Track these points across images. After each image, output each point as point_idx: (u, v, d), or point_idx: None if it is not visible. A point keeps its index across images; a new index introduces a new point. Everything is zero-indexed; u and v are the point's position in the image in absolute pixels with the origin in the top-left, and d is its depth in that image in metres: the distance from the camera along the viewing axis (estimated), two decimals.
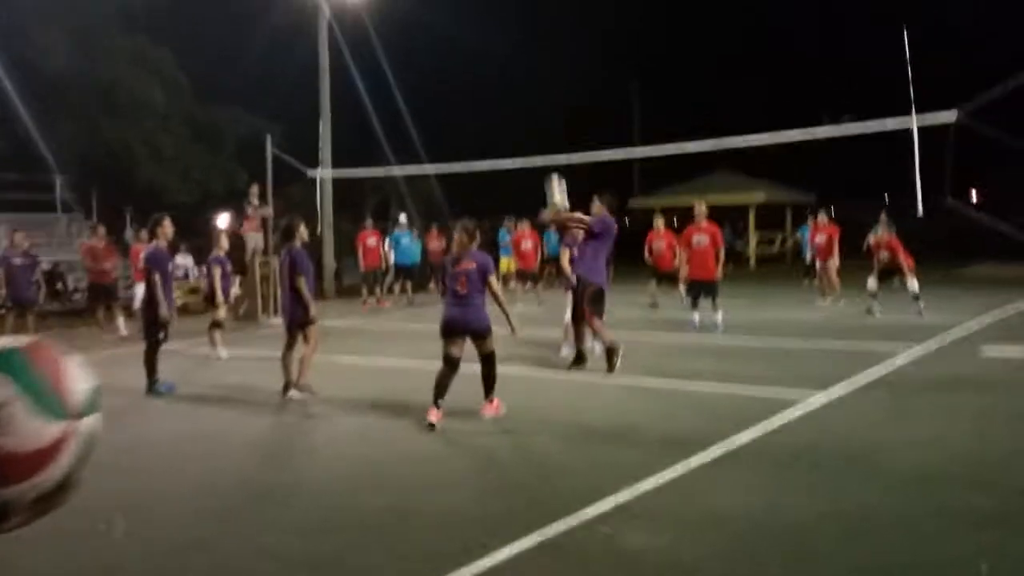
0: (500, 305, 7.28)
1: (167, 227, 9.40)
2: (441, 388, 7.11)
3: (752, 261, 29.53)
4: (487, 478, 5.79)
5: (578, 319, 9.48)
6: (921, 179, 10.42)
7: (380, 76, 27.28)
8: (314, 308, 8.53)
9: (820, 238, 16.18)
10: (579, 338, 9.58)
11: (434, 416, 6.98)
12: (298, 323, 8.45)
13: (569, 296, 9.96)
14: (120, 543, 4.76)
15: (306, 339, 8.45)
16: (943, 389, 8.23)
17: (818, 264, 16.29)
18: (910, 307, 13.44)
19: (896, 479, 5.50)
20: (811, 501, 5.12)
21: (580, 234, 9.59)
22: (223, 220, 17.02)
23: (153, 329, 9.02)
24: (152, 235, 9.41)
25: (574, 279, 9.59)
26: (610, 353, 9.10)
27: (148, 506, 5.39)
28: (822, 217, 16.61)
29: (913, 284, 13.55)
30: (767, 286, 20.71)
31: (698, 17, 44.76)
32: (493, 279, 7.23)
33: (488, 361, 7.27)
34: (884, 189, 34.75)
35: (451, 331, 7.23)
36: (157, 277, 8.94)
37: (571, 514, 4.85)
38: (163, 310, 8.90)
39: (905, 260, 13.72)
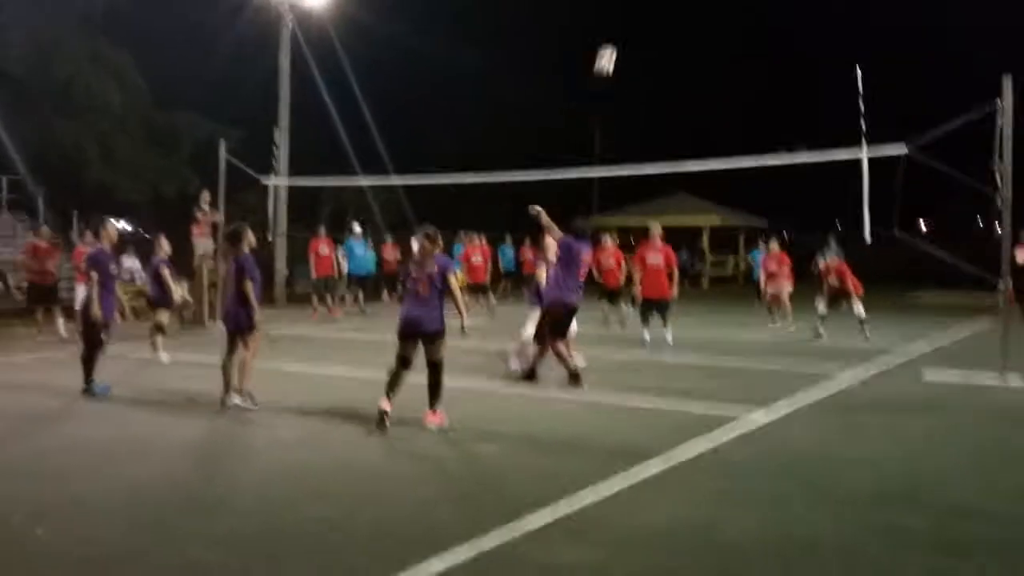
0: (456, 301, 7.40)
1: (111, 230, 9.37)
2: (393, 384, 7.30)
3: (705, 282, 29.84)
4: (427, 489, 5.69)
5: (539, 338, 9.35)
6: (871, 209, 10.62)
7: (343, 85, 27.12)
8: (259, 315, 8.40)
9: (772, 265, 16.40)
10: (535, 357, 9.40)
11: (386, 404, 7.21)
12: (241, 329, 8.30)
13: (534, 311, 9.90)
14: (33, 554, 4.57)
15: (246, 345, 8.30)
16: (884, 410, 8.33)
17: (769, 289, 16.51)
18: (856, 331, 13.67)
19: (835, 498, 5.52)
20: (749, 519, 5.11)
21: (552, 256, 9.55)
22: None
23: (92, 331, 8.83)
24: (96, 237, 9.32)
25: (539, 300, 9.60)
26: (574, 378, 8.98)
27: (69, 514, 5.18)
28: (773, 245, 16.87)
29: (859, 309, 13.85)
30: (718, 306, 20.92)
31: (661, 43, 45.27)
32: (453, 279, 7.39)
33: (436, 369, 7.33)
34: (835, 217, 35.46)
35: (408, 332, 7.34)
36: (97, 279, 8.79)
37: (508, 525, 4.80)
38: (95, 309, 8.78)
39: (853, 285, 13.99)
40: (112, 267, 9.23)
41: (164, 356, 11.19)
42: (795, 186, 36.55)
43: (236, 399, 8.18)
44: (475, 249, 18.37)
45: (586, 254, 9.42)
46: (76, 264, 14.25)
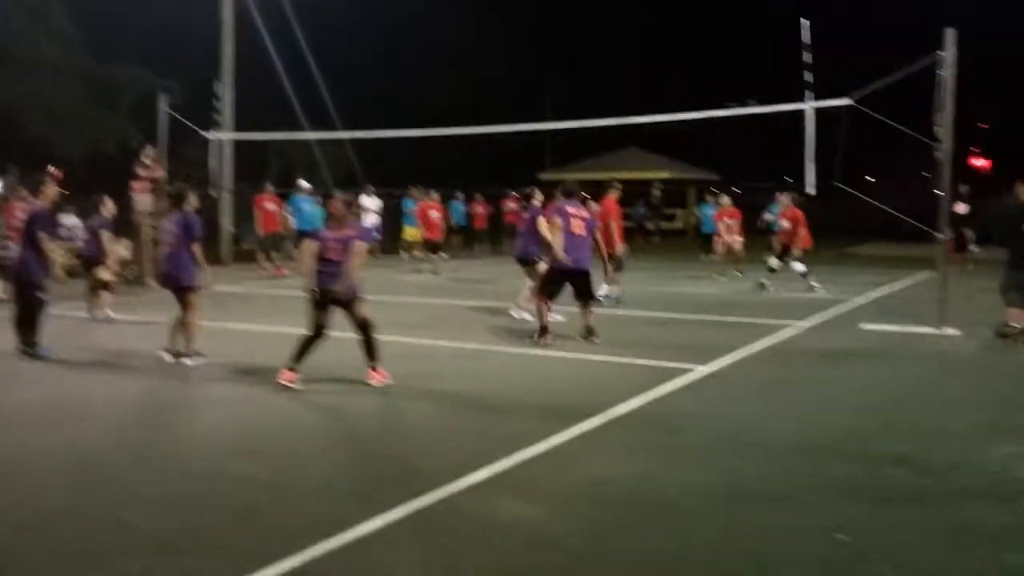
0: (351, 271, 7.04)
1: (50, 189, 9.12)
2: (301, 352, 7.11)
3: (656, 237, 29.97)
4: (363, 448, 5.68)
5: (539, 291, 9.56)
6: (816, 162, 10.72)
7: (292, 38, 26.39)
8: (207, 274, 8.37)
9: (726, 220, 16.53)
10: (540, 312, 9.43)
11: (287, 378, 7.05)
12: (181, 288, 8.16)
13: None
14: None
15: (189, 305, 8.17)
16: (822, 362, 8.49)
17: (721, 243, 16.68)
18: (800, 284, 13.94)
19: (770, 449, 5.62)
20: (685, 471, 5.19)
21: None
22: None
23: (31, 292, 8.60)
24: (36, 195, 9.10)
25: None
26: (540, 331, 9.16)
27: (7, 476, 5.08)
28: (725, 199, 16.98)
29: (797, 265, 14.14)
30: (668, 260, 21.06)
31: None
32: (362, 247, 7.23)
33: (364, 328, 7.22)
34: (783, 171, 35.83)
35: (322, 298, 7.11)
36: (35, 238, 8.55)
37: (446, 484, 4.79)
38: (41, 271, 8.60)
39: (801, 238, 14.26)
40: (51, 226, 8.98)
41: (111, 313, 11.04)
42: (746, 140, 36.85)
43: (187, 360, 8.09)
44: (430, 205, 18.20)
45: (573, 209, 9.36)
46: (8, 220, 13.78)
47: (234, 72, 20.75)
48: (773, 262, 14.59)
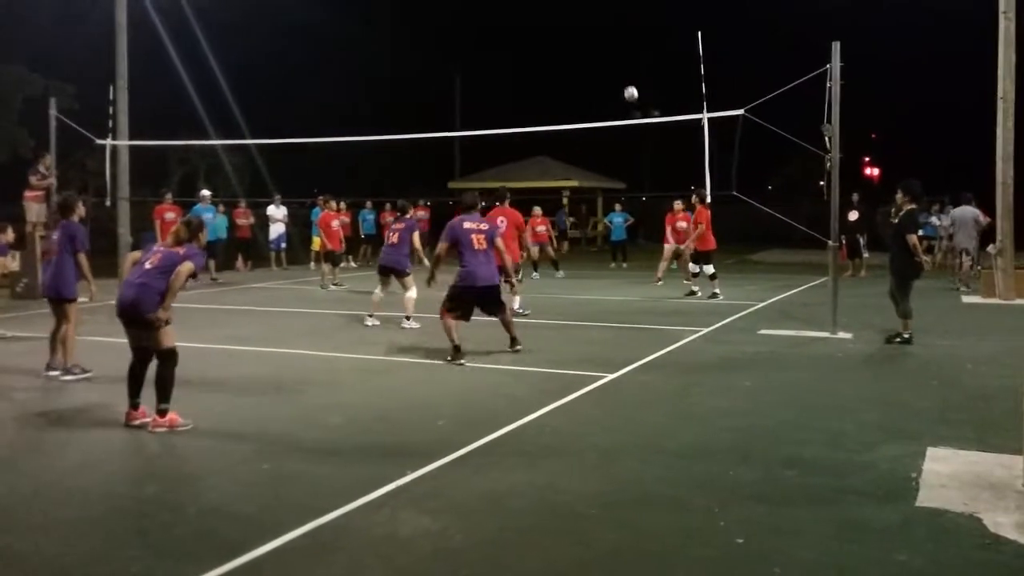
0: (169, 296, 6.32)
1: None
2: (132, 385, 6.47)
3: (564, 244, 30.25)
4: (264, 467, 5.53)
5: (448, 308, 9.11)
6: (714, 171, 11.01)
7: (192, 41, 25.73)
8: (93, 285, 8.08)
9: (681, 225, 16.50)
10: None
11: (132, 418, 6.41)
12: (61, 299, 7.89)
13: None
14: None
15: (66, 316, 7.90)
16: (722, 367, 8.71)
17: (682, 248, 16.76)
18: (703, 288, 14.44)
19: (669, 454, 5.73)
20: (587, 477, 5.24)
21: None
22: None
23: None
24: (64, 214, 8.63)
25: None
26: (453, 351, 8.82)
27: None
28: (678, 204, 16.92)
29: (709, 268, 14.64)
30: (575, 269, 21.28)
31: (527, 8, 45.40)
32: (187, 267, 6.32)
33: (162, 359, 6.35)
34: (686, 179, 36.75)
35: (123, 316, 6.40)
36: None
37: (348, 501, 4.72)
38: None
39: (700, 238, 14.66)
40: None
41: (2, 330, 10.70)
42: (651, 150, 37.64)
43: (66, 376, 7.80)
44: (332, 215, 17.96)
45: (473, 224, 9.00)
46: None
47: (128, 76, 20.04)
48: (692, 267, 15.12)
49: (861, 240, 18.47)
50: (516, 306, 12.57)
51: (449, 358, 8.76)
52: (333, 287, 16.80)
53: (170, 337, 6.35)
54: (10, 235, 11.15)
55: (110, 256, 20.95)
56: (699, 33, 10.52)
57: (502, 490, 5.02)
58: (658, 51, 43.01)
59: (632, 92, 12.30)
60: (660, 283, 16.30)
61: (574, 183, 30.75)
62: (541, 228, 19.20)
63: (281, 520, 4.46)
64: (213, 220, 18.87)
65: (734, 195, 11.06)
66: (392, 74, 39.53)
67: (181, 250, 6.40)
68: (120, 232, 20.34)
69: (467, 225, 8.97)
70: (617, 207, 23.08)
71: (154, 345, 6.33)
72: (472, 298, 8.95)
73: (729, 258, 22.66)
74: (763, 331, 10.89)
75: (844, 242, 15.72)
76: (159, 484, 5.18)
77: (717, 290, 14.54)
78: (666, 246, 16.88)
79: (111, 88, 18.09)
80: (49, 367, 8.07)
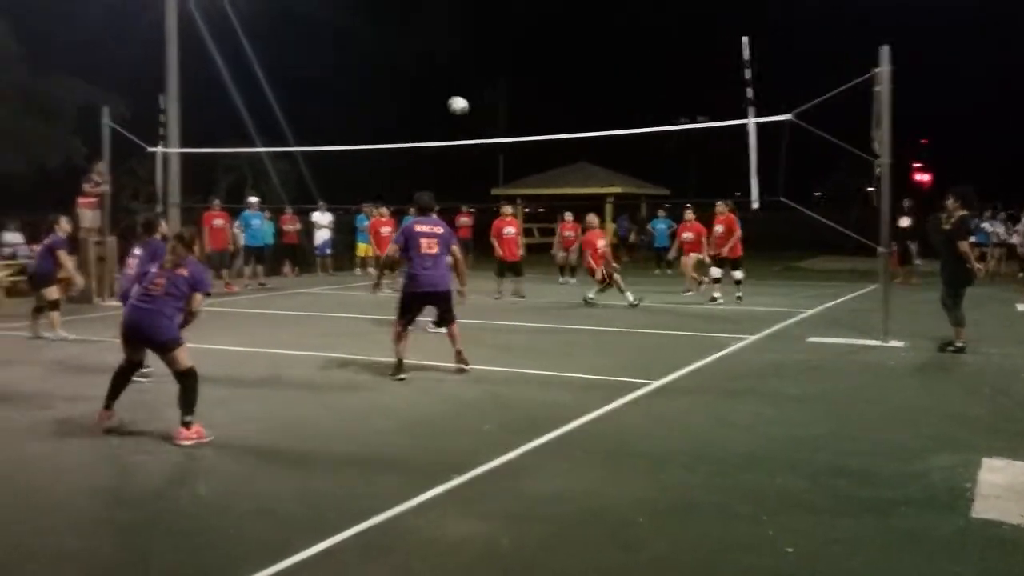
0: (190, 317, 6.52)
1: None
2: (114, 388, 6.53)
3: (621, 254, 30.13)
4: (311, 469, 5.59)
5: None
6: (761, 177, 10.90)
7: (240, 52, 26.18)
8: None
9: (687, 236, 16.52)
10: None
11: (103, 418, 6.47)
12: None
13: None
14: None
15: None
16: (770, 375, 8.60)
17: (682, 258, 16.75)
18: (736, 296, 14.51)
19: (719, 462, 5.67)
20: (635, 486, 5.21)
21: None
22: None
23: None
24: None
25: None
26: (395, 368, 8.45)
27: None
28: (689, 214, 16.93)
29: (738, 273, 14.83)
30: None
31: (570, 16, 45.45)
32: (200, 298, 6.49)
33: (183, 378, 6.29)
34: (732, 186, 36.39)
35: (129, 336, 6.43)
36: None
37: (397, 504, 4.76)
38: None
39: (733, 246, 14.62)
40: None
41: (64, 332, 10.83)
42: (697, 155, 37.37)
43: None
44: (382, 221, 18.10)
45: (429, 227, 8.59)
46: None
47: (180, 85, 20.45)
48: (714, 271, 14.99)
49: (913, 247, 18.14)
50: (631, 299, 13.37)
51: (392, 373, 8.36)
52: (389, 292, 16.91)
53: (186, 356, 6.33)
54: (65, 226, 11.34)
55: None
56: (746, 38, 10.42)
57: (548, 495, 5.01)
58: (703, 54, 42.69)
59: (459, 105, 11.74)
60: (691, 293, 16.16)
61: (618, 189, 30.61)
62: (569, 234, 19.18)
63: (329, 522, 4.50)
64: (261, 226, 19.15)
65: (781, 201, 10.95)
66: (435, 79, 39.75)
67: (185, 271, 6.39)
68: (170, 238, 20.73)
69: (420, 228, 8.58)
70: (661, 213, 22.97)
71: (171, 367, 6.32)
72: (421, 302, 8.63)
73: (775, 265, 22.42)
74: (812, 339, 10.74)
75: (895, 249, 15.45)
76: (208, 486, 5.27)
77: (719, 295, 14.60)
78: (686, 257, 16.67)
79: (162, 97, 18.48)
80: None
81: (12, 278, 16.68)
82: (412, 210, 9.03)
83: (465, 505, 4.86)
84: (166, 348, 6.28)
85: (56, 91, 23.18)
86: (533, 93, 42.52)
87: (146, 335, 6.32)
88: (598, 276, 14.36)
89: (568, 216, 19.50)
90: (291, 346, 10.35)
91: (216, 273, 17.61)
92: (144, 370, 7.45)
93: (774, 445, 6.08)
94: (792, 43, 37.61)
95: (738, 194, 15.84)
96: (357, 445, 6.18)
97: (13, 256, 17.62)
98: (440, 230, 8.67)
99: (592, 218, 15.21)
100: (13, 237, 18.13)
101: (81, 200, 15.93)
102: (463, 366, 8.63)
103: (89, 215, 15.87)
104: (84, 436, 6.40)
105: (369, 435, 6.45)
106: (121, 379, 6.58)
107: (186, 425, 6.17)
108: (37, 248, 11.85)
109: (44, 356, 9.76)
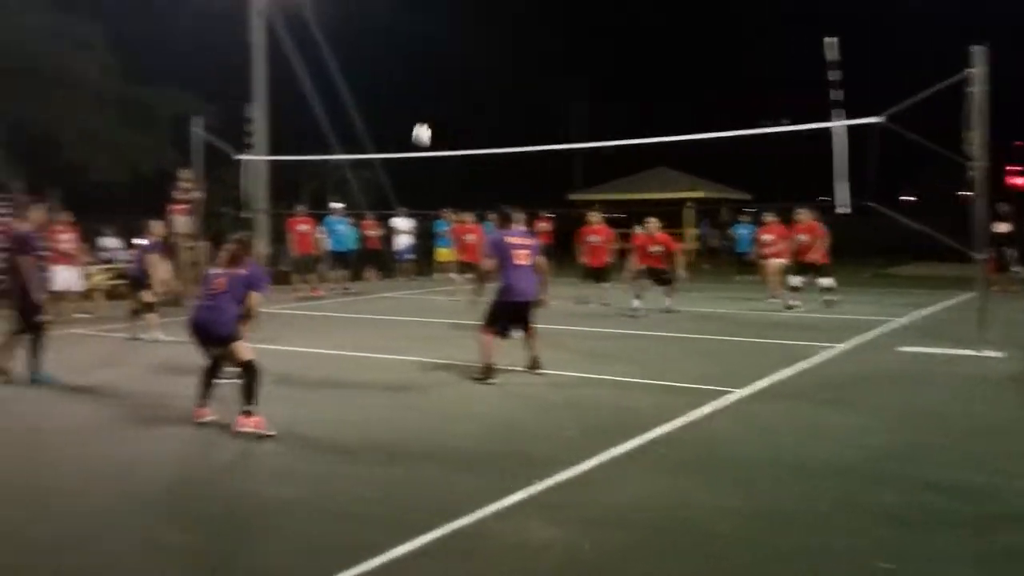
0: (251, 316, 6.81)
1: (36, 212, 9.29)
2: (203, 386, 6.86)
3: (689, 255, 29.77)
4: (396, 470, 5.67)
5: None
6: (848, 181, 10.63)
7: (322, 60, 26.76)
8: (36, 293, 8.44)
9: (767, 238, 16.30)
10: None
11: (198, 416, 6.78)
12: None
13: None
14: (6, 541, 4.53)
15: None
16: (860, 385, 8.37)
17: (765, 263, 16.45)
18: (824, 303, 14.03)
19: (808, 473, 5.55)
20: (720, 495, 5.13)
21: None
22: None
23: (30, 315, 8.53)
24: (24, 218, 9.18)
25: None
26: (484, 369, 8.57)
27: (39, 501, 5.16)
28: (769, 217, 16.67)
29: (826, 280, 14.29)
30: (700, 281, 20.92)
31: (645, 18, 45.09)
32: (253, 297, 6.75)
33: (245, 369, 6.63)
34: (818, 190, 35.49)
35: (198, 338, 6.80)
36: (27, 260, 8.49)
37: (478, 508, 4.79)
38: (36, 293, 8.51)
39: (821, 252, 14.25)
40: (34, 249, 8.94)
41: (159, 334, 11.20)
42: (781, 159, 36.58)
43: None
44: (466, 228, 18.24)
45: (519, 239, 8.83)
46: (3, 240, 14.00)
47: (267, 94, 21.06)
48: (794, 280, 14.65)
49: (1010, 253, 17.42)
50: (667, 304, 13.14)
51: (479, 377, 8.50)
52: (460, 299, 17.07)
53: (246, 350, 6.65)
54: (156, 230, 11.72)
55: None
56: (833, 39, 10.18)
57: (632, 503, 4.98)
58: (787, 55, 41.81)
59: (421, 135, 12.12)
60: (776, 300, 15.78)
61: (699, 194, 30.23)
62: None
63: (414, 523, 4.55)
64: (345, 231, 19.51)
65: (869, 205, 10.66)
66: (513, 84, 39.93)
67: (243, 271, 6.71)
68: (257, 245, 21.33)
69: (511, 240, 8.82)
70: (743, 218, 22.58)
71: (233, 360, 6.66)
72: (512, 311, 8.72)
73: (863, 272, 21.80)
74: (903, 348, 10.40)
75: (992, 255, 14.85)
76: (295, 485, 5.38)
77: (796, 303, 14.25)
78: (770, 261, 16.27)
79: (249, 106, 19.03)
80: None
81: (110, 281, 17.43)
82: (495, 220, 9.09)
83: (547, 510, 4.86)
84: (226, 342, 6.63)
85: (151, 100, 24.05)
86: (612, 96, 42.31)
87: (208, 331, 6.67)
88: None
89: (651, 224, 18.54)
90: (374, 349, 10.52)
91: (301, 278, 18.05)
92: (231, 370, 7.66)
93: (864, 456, 5.91)
94: (881, 43, 36.54)
95: (824, 198, 15.42)
96: (440, 448, 6.24)
97: (111, 260, 18.39)
98: (530, 241, 9.02)
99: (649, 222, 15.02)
100: (111, 242, 18.92)
101: (174, 207, 16.50)
102: (538, 370, 8.77)
103: (182, 221, 16.43)
104: (178, 433, 6.63)
105: (452, 438, 6.51)
106: (208, 378, 6.87)
107: (246, 414, 6.46)
108: (134, 252, 12.34)
109: (140, 356, 10.15)
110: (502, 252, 8.74)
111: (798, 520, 4.73)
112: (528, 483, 5.20)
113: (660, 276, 14.25)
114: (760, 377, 8.49)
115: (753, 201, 31.11)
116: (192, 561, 4.24)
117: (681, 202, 30.09)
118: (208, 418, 6.76)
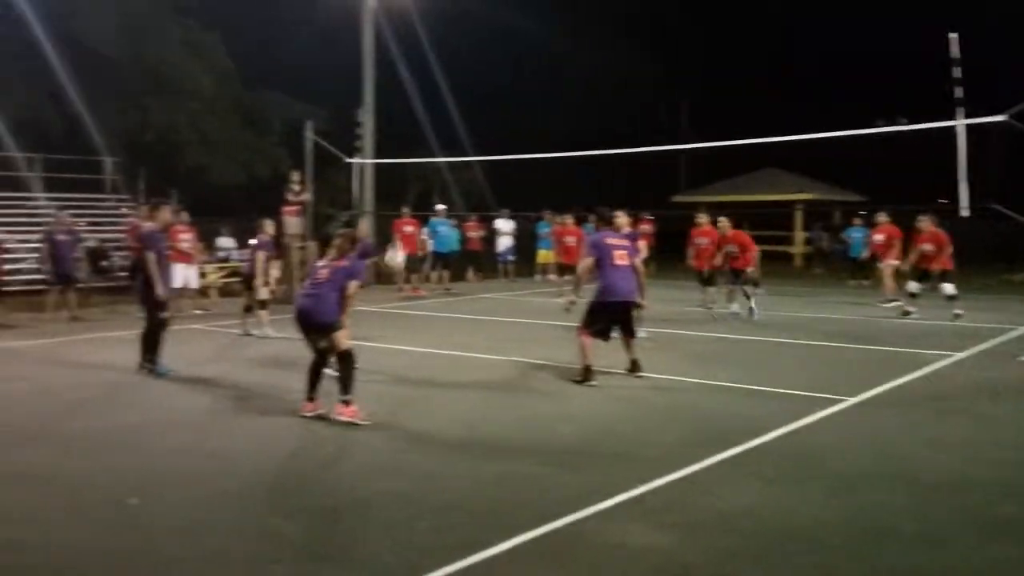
0: (347, 308, 7.09)
1: (164, 212, 9.79)
2: (310, 379, 7.10)
3: (797, 259, 28.93)
4: (497, 469, 5.71)
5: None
6: (970, 182, 10.16)
7: (427, 65, 27.36)
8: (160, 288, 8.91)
9: (879, 238, 15.73)
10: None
11: (307, 409, 7.03)
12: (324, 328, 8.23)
13: None
14: (123, 525, 4.77)
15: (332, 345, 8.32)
16: (980, 396, 7.97)
17: (880, 266, 15.86)
18: (947, 310, 13.23)
19: (920, 485, 5.32)
20: (828, 504, 4.98)
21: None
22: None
23: (155, 309, 8.97)
24: (151, 217, 9.66)
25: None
26: (582, 372, 8.56)
27: (155, 487, 5.39)
28: (882, 217, 16.08)
29: (949, 287, 13.41)
30: (811, 285, 20.34)
31: (753, 17, 44.10)
32: (351, 285, 7.05)
33: (342, 359, 6.94)
34: (935, 193, 33.93)
35: (301, 325, 7.08)
36: (153, 257, 8.90)
37: (578, 509, 4.77)
38: (160, 290, 8.91)
39: (946, 259, 13.50)
40: (164, 246, 9.40)
41: (270, 330, 11.56)
42: (897, 160, 35.15)
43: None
44: (566, 230, 18.22)
45: (616, 240, 8.81)
46: (130, 239, 14.71)
47: (374, 98, 21.55)
48: (912, 286, 13.86)
49: None
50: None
51: (579, 379, 8.48)
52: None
53: (345, 339, 6.96)
54: (268, 229, 12.08)
55: None
56: (954, 35, 9.73)
57: (736, 510, 4.87)
58: (904, 52, 40.19)
59: None
60: (894, 304, 15.14)
61: (808, 196, 29.33)
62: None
63: (515, 521, 4.58)
64: (448, 233, 19.79)
65: (992, 208, 10.15)
66: (617, 85, 39.69)
67: (345, 263, 7.07)
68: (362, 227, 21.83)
69: (610, 241, 8.80)
70: (856, 221, 21.76)
71: (332, 348, 6.96)
72: (609, 312, 8.67)
73: (987, 278, 20.74)
74: (1022, 355, 9.87)
75: None
76: (395, 480, 5.47)
77: (913, 309, 13.63)
78: (886, 263, 15.62)
79: (360, 110, 19.50)
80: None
81: (225, 279, 18.16)
82: (595, 222, 9.22)
83: (649, 514, 4.81)
84: (329, 330, 6.92)
85: (265, 106, 24.95)
86: (718, 96, 41.51)
87: (312, 319, 6.96)
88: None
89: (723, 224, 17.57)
90: (474, 348, 10.62)
91: (406, 277, 18.39)
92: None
93: (985, 469, 5.63)
94: (1004, 39, 34.69)
95: (943, 201, 14.73)
96: (540, 447, 6.26)
97: (226, 259, 19.16)
98: (628, 243, 8.99)
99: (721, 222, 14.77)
100: (226, 241, 19.73)
101: (285, 208, 17.07)
102: (637, 373, 8.72)
103: (293, 222, 16.99)
104: (286, 425, 6.85)
105: (552, 438, 6.51)
106: (315, 372, 7.13)
107: (344, 403, 6.77)
108: (247, 252, 12.80)
109: (251, 351, 10.52)
110: (601, 252, 8.74)
111: (910, 534, 4.54)
112: (630, 486, 5.16)
113: (735, 276, 14.04)
114: (873, 385, 8.18)
115: (867, 203, 30.02)
116: (299, 550, 4.36)
117: (790, 204, 29.26)
118: (315, 412, 6.97)
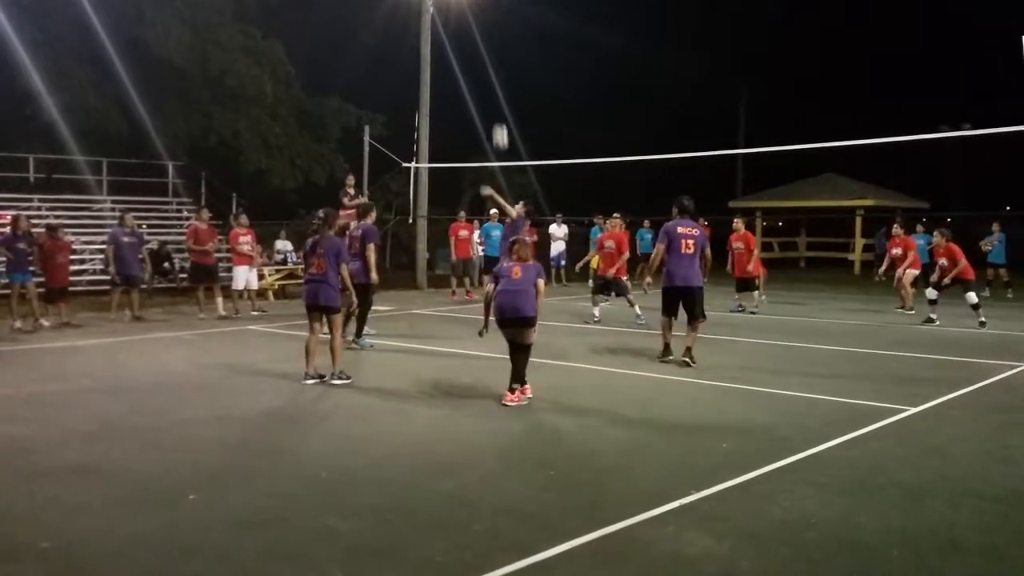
0: (539, 301, 7.69)
1: (373, 213, 11.37)
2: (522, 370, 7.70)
3: (857, 266, 28.36)
4: (552, 472, 5.69)
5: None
6: None
7: (482, 71, 27.46)
8: (375, 274, 10.62)
9: (896, 250, 15.76)
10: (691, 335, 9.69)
11: (510, 399, 7.56)
12: (328, 307, 8.67)
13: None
14: (182, 520, 4.86)
15: (332, 327, 8.67)
16: None
17: (898, 273, 15.67)
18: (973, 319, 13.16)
19: (989, 499, 5.17)
20: (889, 515, 4.86)
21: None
22: None
23: (368, 293, 10.69)
24: (365, 216, 11.13)
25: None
26: (662, 352, 9.79)
27: (221, 481, 5.50)
28: (897, 229, 16.02)
29: (972, 296, 13.31)
30: (870, 292, 19.91)
31: (811, 21, 43.47)
32: (541, 283, 7.69)
33: (524, 350, 7.70)
34: (1003, 199, 32.97)
35: (504, 316, 7.65)
36: (374, 247, 10.73)
37: (634, 514, 4.74)
38: (375, 276, 10.65)
39: (964, 269, 13.26)
40: (378, 239, 11.22)
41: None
42: (963, 165, 34.30)
43: (334, 380, 8.47)
44: (607, 235, 18.06)
45: (686, 229, 9.48)
46: (232, 245, 15.05)
47: (430, 103, 21.72)
48: (929, 293, 13.70)
49: None
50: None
51: (660, 356, 9.68)
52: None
53: (536, 334, 7.70)
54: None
55: (409, 270, 22.81)
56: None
57: (793, 519, 4.79)
58: (970, 56, 39.23)
59: (499, 138, 13.09)
60: (911, 312, 14.88)
61: (869, 202, 28.75)
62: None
63: (569, 525, 4.56)
64: (500, 237, 19.80)
65: None
66: (675, 89, 39.42)
67: (531, 262, 7.75)
68: (419, 248, 22.06)
69: (680, 229, 9.47)
70: (919, 228, 21.26)
71: (525, 340, 7.64)
72: (675, 296, 9.51)
73: None
74: None
75: None
76: (455, 480, 5.50)
77: (934, 315, 13.68)
78: (902, 272, 15.43)
79: (417, 115, 19.65)
80: (306, 376, 8.59)
81: (282, 281, 18.46)
82: (674, 212, 9.84)
83: (703, 522, 4.75)
84: (531, 323, 7.60)
85: (324, 111, 25.28)
86: (777, 100, 40.96)
87: (518, 314, 7.54)
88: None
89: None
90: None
91: (459, 281, 18.48)
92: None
93: None
94: None
95: (1008, 208, 14.35)
96: (596, 452, 6.22)
97: (284, 261, 19.48)
98: (697, 232, 9.59)
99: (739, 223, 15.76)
100: (284, 244, 20.05)
101: (341, 212, 17.25)
102: (689, 361, 9.31)
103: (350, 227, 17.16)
104: (344, 423, 6.91)
105: (607, 443, 6.47)
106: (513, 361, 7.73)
107: (512, 391, 7.57)
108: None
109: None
110: (670, 239, 9.40)
111: (974, 548, 4.41)
112: (684, 493, 5.10)
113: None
114: (935, 396, 7.98)
115: (931, 210, 29.36)
116: (354, 548, 4.39)
117: (850, 211, 28.72)
118: (517, 401, 7.54)
